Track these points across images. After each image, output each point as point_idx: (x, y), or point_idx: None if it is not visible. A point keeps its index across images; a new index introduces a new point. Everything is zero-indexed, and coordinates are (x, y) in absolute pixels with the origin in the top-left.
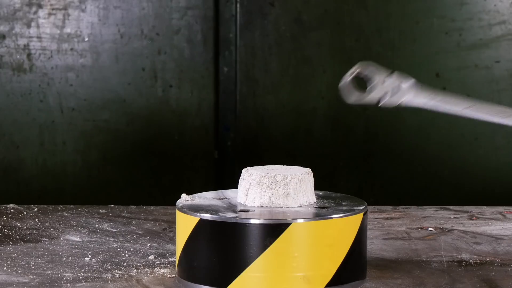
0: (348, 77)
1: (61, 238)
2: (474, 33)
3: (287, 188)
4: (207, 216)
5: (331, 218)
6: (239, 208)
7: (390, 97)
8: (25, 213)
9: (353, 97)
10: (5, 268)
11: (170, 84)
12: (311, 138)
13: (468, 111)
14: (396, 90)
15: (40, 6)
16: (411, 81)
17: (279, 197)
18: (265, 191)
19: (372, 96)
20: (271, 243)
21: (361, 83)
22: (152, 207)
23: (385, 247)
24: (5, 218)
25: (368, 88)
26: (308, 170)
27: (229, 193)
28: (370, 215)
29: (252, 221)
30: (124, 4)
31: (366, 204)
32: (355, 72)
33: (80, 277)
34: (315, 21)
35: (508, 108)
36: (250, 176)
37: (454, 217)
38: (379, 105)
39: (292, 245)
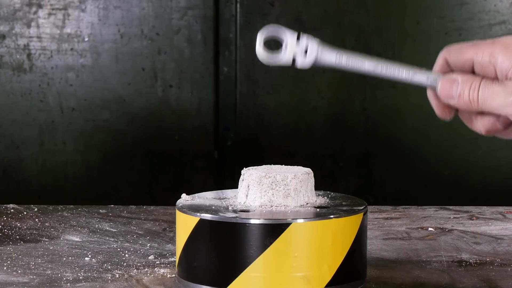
0: (259, 40)
1: (61, 238)
2: (474, 33)
3: (287, 188)
4: (207, 216)
5: (331, 218)
6: (239, 208)
7: (302, 57)
8: (25, 213)
9: (267, 59)
10: (5, 268)
11: (170, 84)
12: (311, 138)
13: (377, 68)
14: (306, 50)
15: (40, 6)
16: (317, 40)
17: (279, 197)
18: (265, 191)
19: (285, 57)
20: (271, 243)
21: (275, 44)
22: (152, 207)
23: (385, 247)
24: (5, 218)
25: (280, 50)
26: (309, 170)
27: (229, 193)
28: (370, 215)
29: (252, 221)
30: (124, 4)
31: (366, 204)
32: (264, 35)
33: (80, 277)
34: (315, 21)
35: (412, 68)
36: (250, 176)
37: (454, 217)
38: (295, 66)
39: (292, 245)
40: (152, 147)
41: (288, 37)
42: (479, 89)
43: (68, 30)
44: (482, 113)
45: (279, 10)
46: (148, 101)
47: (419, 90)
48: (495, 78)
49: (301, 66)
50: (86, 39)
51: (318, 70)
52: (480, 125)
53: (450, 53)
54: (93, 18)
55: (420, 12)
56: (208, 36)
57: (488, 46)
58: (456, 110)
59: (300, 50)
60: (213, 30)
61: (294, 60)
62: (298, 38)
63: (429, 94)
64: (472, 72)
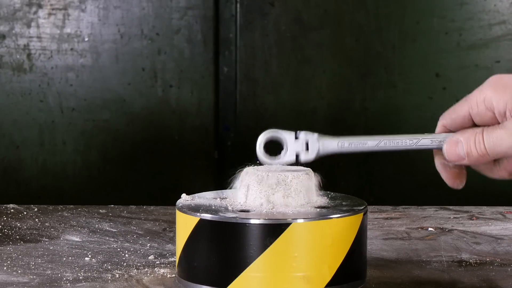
0: (259, 145)
1: (61, 238)
2: (474, 33)
3: (288, 188)
4: (207, 216)
5: (331, 218)
6: (239, 208)
7: (305, 154)
8: (25, 213)
9: (270, 163)
10: (5, 268)
11: (170, 84)
12: None
13: (381, 145)
14: (307, 147)
15: (40, 6)
16: (315, 135)
17: (279, 197)
18: (265, 191)
19: (288, 159)
20: (271, 243)
21: (275, 145)
22: (152, 207)
23: (385, 247)
24: (5, 218)
25: (282, 153)
26: (309, 170)
27: (229, 193)
28: (370, 215)
29: (252, 221)
30: (124, 4)
31: (366, 204)
32: (263, 142)
33: (80, 277)
34: (315, 21)
35: (414, 135)
36: (250, 176)
37: (454, 217)
38: (299, 164)
39: (292, 245)
40: (152, 147)
41: (287, 139)
42: (483, 140)
43: (68, 30)
44: (496, 159)
45: (279, 10)
46: (148, 101)
47: (419, 90)
48: (495, 123)
49: (305, 161)
50: (86, 39)
51: (318, 70)
52: (502, 171)
53: (445, 118)
54: (93, 18)
55: (420, 12)
56: (208, 36)
57: (479, 95)
58: (467, 168)
59: (301, 147)
60: (213, 30)
61: (297, 156)
62: (296, 138)
63: (438, 166)
64: (474, 125)
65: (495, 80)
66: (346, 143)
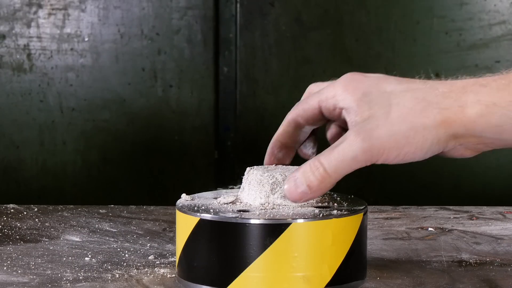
0: None
1: (61, 238)
2: (474, 33)
3: None
4: (207, 216)
5: (331, 218)
6: (239, 208)
7: None
8: (25, 213)
9: None
10: (5, 268)
11: (170, 84)
12: None
13: None
14: None
15: (40, 6)
16: None
17: (279, 197)
18: (266, 191)
19: None
20: (271, 243)
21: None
22: (152, 207)
23: (385, 247)
24: (5, 218)
25: None
26: None
27: (229, 193)
28: (370, 215)
29: (252, 221)
30: (124, 4)
31: (366, 204)
32: None
33: (80, 277)
34: (315, 21)
35: None
36: (250, 175)
37: (454, 217)
38: None
39: (292, 245)
40: (152, 147)
41: None
42: (321, 164)
43: (68, 30)
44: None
45: (279, 10)
46: (148, 101)
47: None
48: (343, 120)
49: None
50: (86, 39)
51: (318, 70)
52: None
53: (297, 108)
54: (93, 18)
55: (420, 12)
56: (208, 36)
57: (331, 89)
58: None
59: None
60: (213, 30)
61: None
62: None
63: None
64: (323, 119)
65: (348, 78)
66: None
